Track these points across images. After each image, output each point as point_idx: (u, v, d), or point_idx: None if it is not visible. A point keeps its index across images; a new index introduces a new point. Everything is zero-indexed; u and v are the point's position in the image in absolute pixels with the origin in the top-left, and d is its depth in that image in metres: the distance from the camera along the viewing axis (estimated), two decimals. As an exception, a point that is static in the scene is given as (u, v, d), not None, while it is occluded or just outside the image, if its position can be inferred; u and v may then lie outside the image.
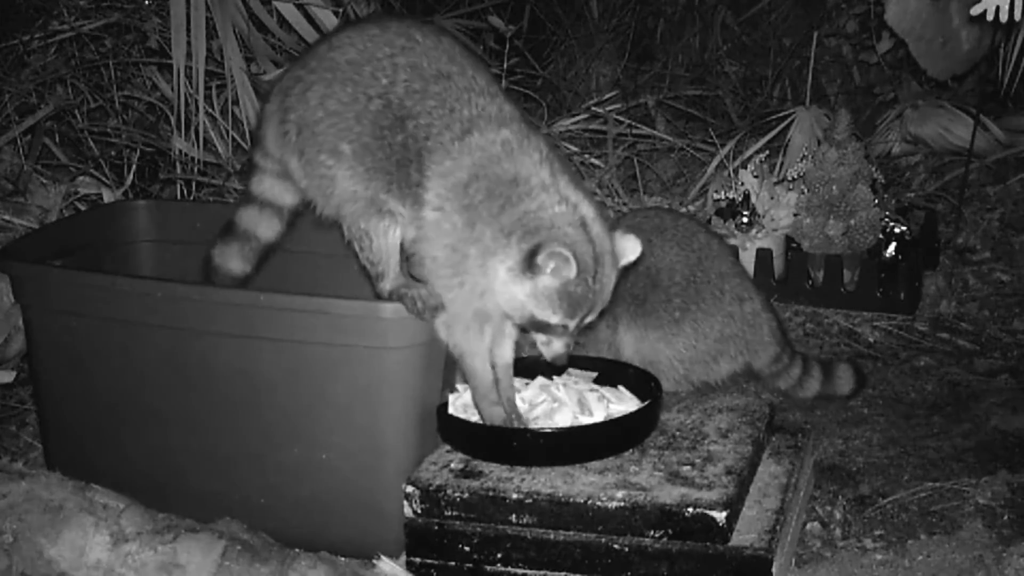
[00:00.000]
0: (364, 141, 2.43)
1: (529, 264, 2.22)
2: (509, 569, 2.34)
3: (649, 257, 2.94)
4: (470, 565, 2.36)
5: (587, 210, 2.29)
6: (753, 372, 3.08)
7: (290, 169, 2.58)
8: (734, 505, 2.27)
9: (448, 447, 2.50)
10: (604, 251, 2.29)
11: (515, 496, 2.32)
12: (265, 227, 2.77)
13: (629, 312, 2.94)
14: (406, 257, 2.50)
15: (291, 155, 2.55)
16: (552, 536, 2.31)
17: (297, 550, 2.39)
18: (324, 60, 2.50)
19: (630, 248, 2.36)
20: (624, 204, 4.24)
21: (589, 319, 2.32)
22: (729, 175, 4.08)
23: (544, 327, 2.31)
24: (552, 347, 2.35)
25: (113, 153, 3.94)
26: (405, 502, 2.38)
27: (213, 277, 2.79)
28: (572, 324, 2.30)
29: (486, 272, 2.29)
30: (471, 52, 2.51)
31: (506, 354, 2.48)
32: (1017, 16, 2.23)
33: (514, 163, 2.31)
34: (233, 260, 2.78)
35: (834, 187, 3.72)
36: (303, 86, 2.51)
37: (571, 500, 2.29)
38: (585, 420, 2.48)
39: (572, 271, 2.21)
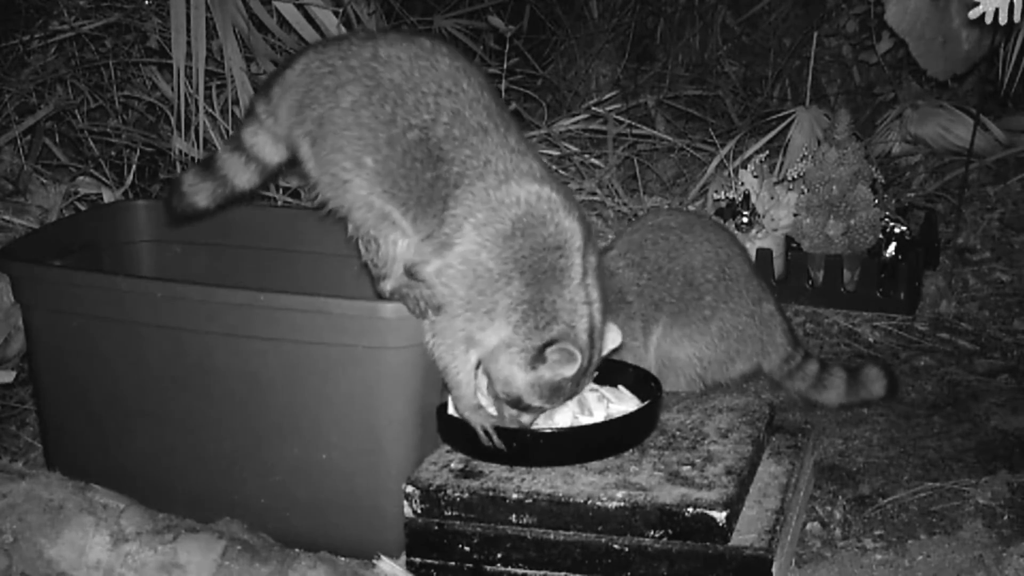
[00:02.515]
0: (390, 166, 2.41)
1: (539, 354, 2.31)
2: (509, 569, 2.34)
3: (683, 255, 2.98)
4: (470, 565, 2.36)
5: (597, 310, 2.37)
6: (764, 373, 3.08)
7: (299, 152, 2.56)
8: (734, 505, 2.27)
9: (448, 447, 2.50)
10: (596, 352, 2.39)
11: (515, 496, 2.32)
12: (244, 179, 2.74)
13: (667, 311, 2.95)
14: (408, 272, 2.49)
15: (303, 137, 2.53)
16: (552, 536, 2.31)
17: (297, 550, 2.39)
18: (366, 67, 2.46)
19: (611, 340, 2.45)
20: (624, 204, 4.23)
21: (560, 404, 2.43)
22: (729, 175, 4.08)
23: (523, 406, 2.38)
24: (522, 419, 2.42)
25: (113, 153, 3.94)
26: (405, 502, 2.38)
27: (176, 202, 2.78)
28: (549, 407, 2.41)
29: (507, 323, 2.32)
30: (506, 107, 2.51)
31: None
32: (1017, 18, 2.23)
33: (559, 228, 2.32)
34: (201, 196, 2.76)
35: (834, 187, 3.72)
36: (336, 80, 2.47)
37: (571, 500, 2.29)
38: (585, 420, 2.49)
39: (571, 372, 2.31)
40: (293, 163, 2.69)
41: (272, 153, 2.69)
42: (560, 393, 2.36)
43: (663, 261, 2.96)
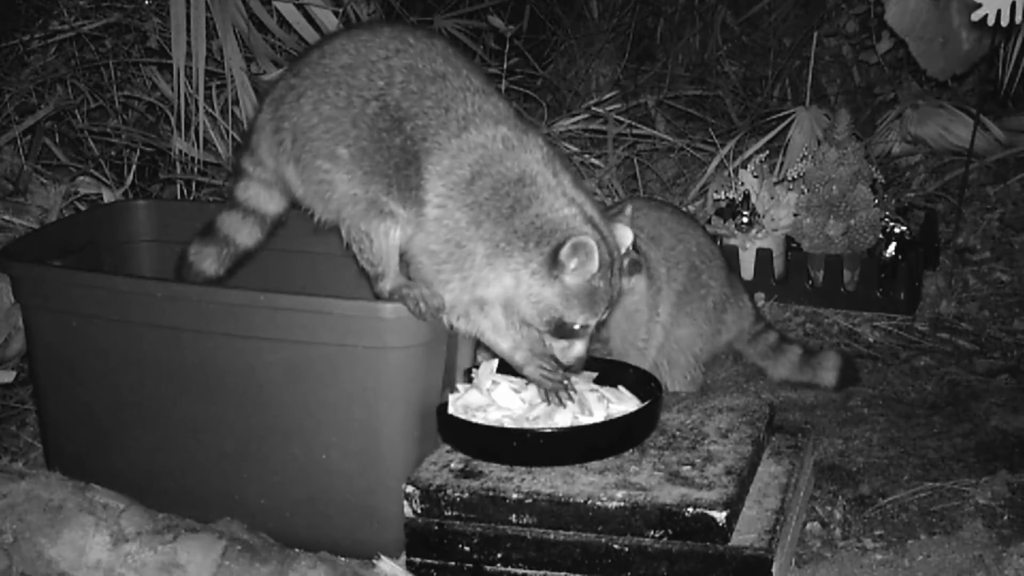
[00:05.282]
0: (362, 145, 2.43)
1: (554, 262, 2.26)
2: (509, 569, 2.34)
3: (686, 237, 3.12)
4: (470, 565, 2.36)
5: (591, 209, 2.34)
6: (734, 340, 3.24)
7: (286, 178, 2.58)
8: (734, 505, 2.27)
9: (448, 447, 2.50)
10: (612, 246, 2.35)
11: (515, 496, 2.32)
12: (245, 235, 2.77)
13: (675, 290, 3.05)
14: (403, 259, 2.50)
15: (287, 163, 2.55)
16: (552, 536, 2.31)
17: (297, 550, 2.39)
18: (317, 66, 2.50)
19: (624, 236, 2.44)
20: (624, 204, 4.24)
21: (605, 316, 2.37)
22: (729, 175, 4.08)
23: (568, 330, 2.34)
24: (573, 350, 2.39)
25: (113, 153, 3.94)
26: (405, 502, 2.38)
27: (185, 273, 2.79)
28: (593, 322, 2.34)
29: (494, 270, 2.32)
30: (463, 52, 2.52)
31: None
32: (1018, 20, 2.24)
33: (517, 161, 2.33)
34: (208, 261, 2.79)
35: (834, 187, 3.72)
36: (296, 94, 2.51)
37: (571, 500, 2.29)
38: (585, 420, 2.48)
39: (595, 264, 2.26)
40: (289, 211, 2.73)
41: (267, 201, 2.72)
42: (596, 298, 2.30)
43: (673, 242, 3.08)
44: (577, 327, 2.33)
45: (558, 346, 2.39)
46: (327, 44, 2.55)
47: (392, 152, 2.40)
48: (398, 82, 2.41)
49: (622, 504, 2.27)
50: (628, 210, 2.81)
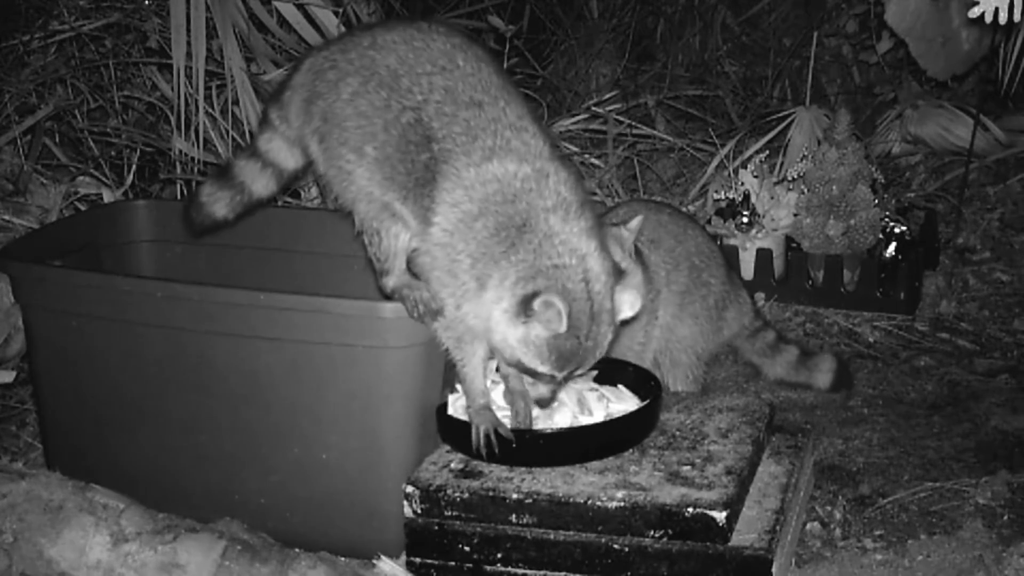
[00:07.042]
0: (387, 152, 2.40)
1: (524, 309, 2.20)
2: (509, 569, 2.34)
3: (685, 239, 3.12)
4: (470, 565, 2.36)
5: (593, 264, 2.25)
6: (734, 337, 3.25)
7: (309, 149, 2.58)
8: (734, 505, 2.27)
9: (448, 447, 2.50)
10: (602, 310, 2.25)
11: (515, 496, 2.32)
12: (262, 185, 2.75)
13: (676, 292, 3.06)
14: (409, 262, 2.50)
15: (312, 135, 2.54)
16: (552, 536, 2.31)
17: (297, 550, 2.39)
18: (364, 56, 2.47)
19: (628, 303, 2.32)
20: (624, 204, 4.23)
21: (578, 373, 2.31)
22: (729, 175, 4.08)
23: (531, 373, 2.29)
24: (537, 389, 2.34)
25: (113, 153, 3.94)
26: (405, 502, 2.38)
27: (195, 214, 2.78)
28: (560, 376, 2.28)
29: (482, 304, 2.27)
30: (511, 82, 2.46)
31: None
32: (1016, 17, 2.23)
33: (529, 206, 2.25)
34: (219, 205, 2.77)
35: (834, 187, 3.72)
36: (337, 73, 2.49)
37: (571, 500, 2.29)
38: (585, 420, 2.49)
39: (563, 325, 2.18)
40: (308, 168, 2.70)
41: (287, 158, 2.70)
42: (561, 355, 2.23)
43: (673, 243, 3.08)
44: (540, 373, 2.27)
45: (526, 379, 2.35)
46: (379, 35, 2.49)
47: (416, 166, 2.37)
48: (434, 101, 2.37)
49: (622, 504, 2.27)
50: (634, 223, 2.77)
